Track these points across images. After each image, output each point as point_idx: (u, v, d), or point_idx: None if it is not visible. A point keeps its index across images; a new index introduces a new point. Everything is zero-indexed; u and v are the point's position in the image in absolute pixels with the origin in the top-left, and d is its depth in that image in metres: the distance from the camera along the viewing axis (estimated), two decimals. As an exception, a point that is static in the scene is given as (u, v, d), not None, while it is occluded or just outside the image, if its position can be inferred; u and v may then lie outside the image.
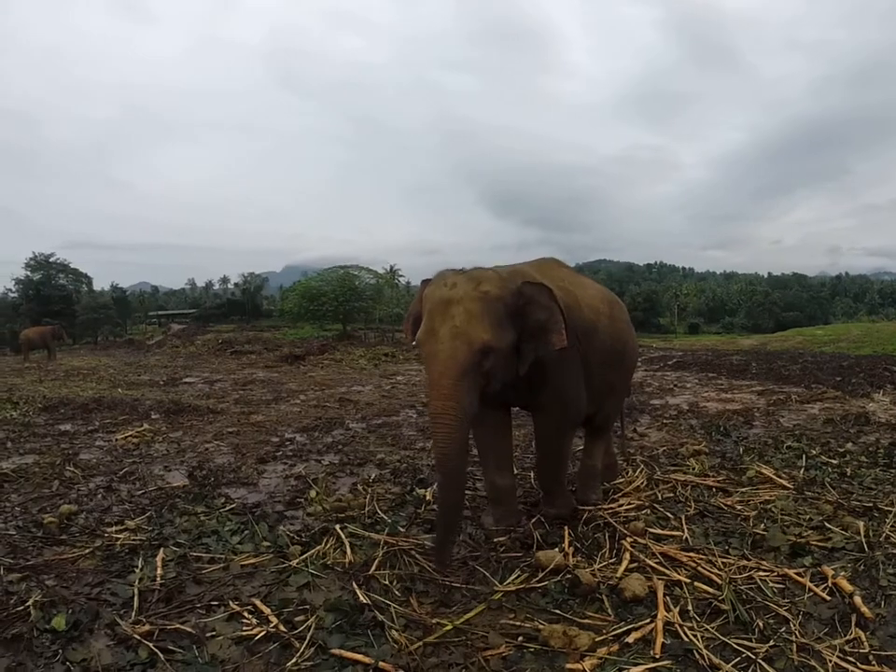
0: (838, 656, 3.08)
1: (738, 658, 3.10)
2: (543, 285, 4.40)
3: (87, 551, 4.39)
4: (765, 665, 3.02)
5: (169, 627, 3.31)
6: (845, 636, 3.29)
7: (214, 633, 3.29)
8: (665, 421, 9.60)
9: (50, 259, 58.97)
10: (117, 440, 8.34)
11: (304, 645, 3.15)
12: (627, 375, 5.96)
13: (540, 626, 3.32)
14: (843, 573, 3.95)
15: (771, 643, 3.20)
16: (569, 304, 4.64)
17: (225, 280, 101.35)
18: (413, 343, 4.38)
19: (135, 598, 3.62)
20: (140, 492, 5.90)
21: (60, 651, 3.11)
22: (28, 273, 57.78)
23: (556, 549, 4.31)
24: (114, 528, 4.84)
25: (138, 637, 3.18)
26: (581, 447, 6.05)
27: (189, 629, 3.29)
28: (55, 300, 53.45)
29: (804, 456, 6.83)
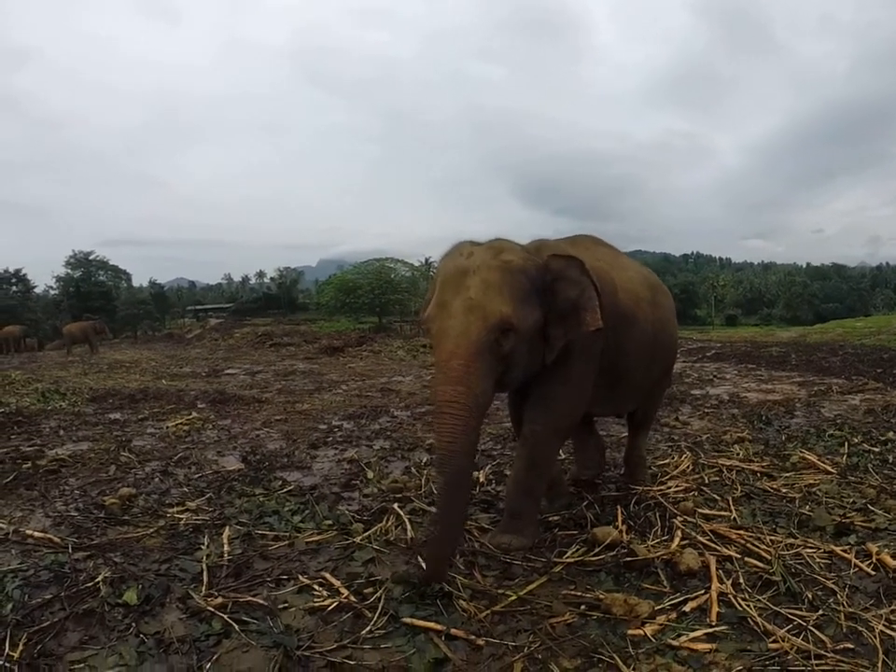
0: (884, 624, 3.16)
1: (790, 625, 3.19)
2: (573, 257, 3.98)
3: (151, 530, 4.48)
4: (816, 632, 3.12)
5: (241, 600, 3.39)
6: (889, 606, 3.37)
7: (286, 604, 3.37)
8: (706, 410, 9.57)
9: (90, 257, 59.74)
10: (167, 427, 8.49)
11: (377, 615, 3.22)
12: (670, 366, 5.68)
13: (602, 596, 3.40)
14: (886, 550, 4.01)
15: (820, 612, 3.30)
16: (604, 288, 4.06)
17: (261, 275, 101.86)
18: (422, 321, 4.01)
19: (204, 574, 3.70)
20: (197, 475, 6.00)
21: (133, 624, 3.16)
22: (68, 270, 58.77)
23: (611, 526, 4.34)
24: (175, 509, 4.94)
25: (212, 610, 3.26)
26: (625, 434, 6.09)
27: (261, 601, 3.37)
28: (95, 296, 54.21)
29: (846, 444, 6.84)
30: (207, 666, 2.79)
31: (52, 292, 61.11)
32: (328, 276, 54.16)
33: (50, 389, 12.18)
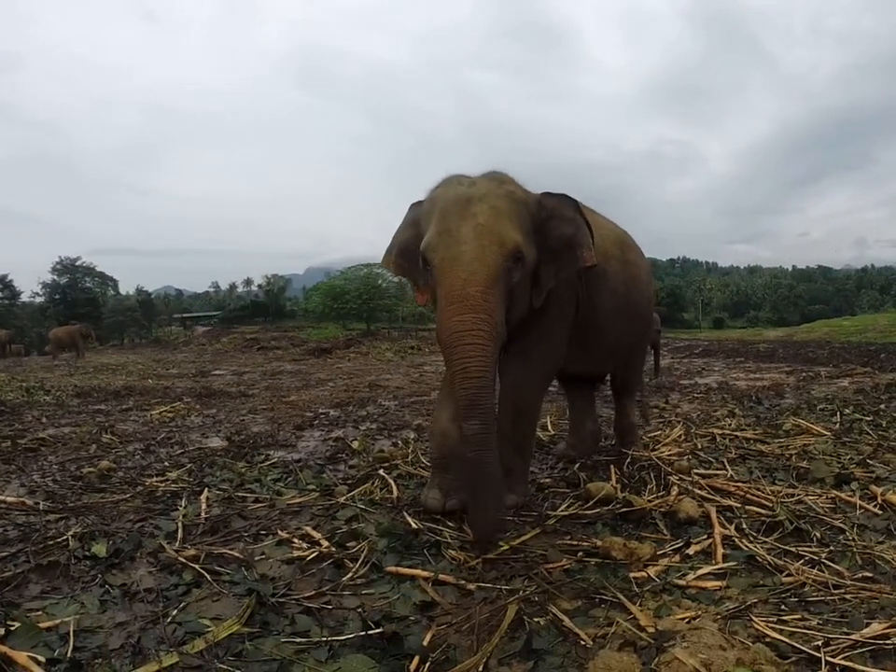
0: (900, 554, 3.07)
1: (802, 560, 3.08)
2: (566, 196, 3.79)
3: (128, 495, 4.32)
4: (831, 564, 3.02)
5: (215, 552, 3.23)
6: (902, 542, 3.30)
7: (263, 556, 3.22)
8: (695, 396, 9.53)
9: (76, 263, 59.43)
10: (151, 414, 8.33)
11: (358, 564, 3.06)
12: (646, 328, 5.46)
13: (599, 542, 3.25)
14: (892, 492, 3.94)
15: (831, 548, 3.20)
16: None
17: (248, 282, 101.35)
18: (396, 272, 3.94)
19: (179, 530, 3.53)
20: (179, 452, 5.84)
21: (99, 575, 3.00)
22: (55, 276, 58.29)
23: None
24: (154, 479, 4.77)
25: (183, 561, 3.10)
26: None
27: (236, 554, 3.21)
28: (81, 302, 53.93)
29: (838, 414, 6.88)
30: (173, 614, 2.60)
31: (38, 299, 60.62)
32: (315, 284, 54.09)
33: (35, 387, 12.04)
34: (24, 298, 59.99)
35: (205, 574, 2.97)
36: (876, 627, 2.34)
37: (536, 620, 2.51)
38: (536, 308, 3.75)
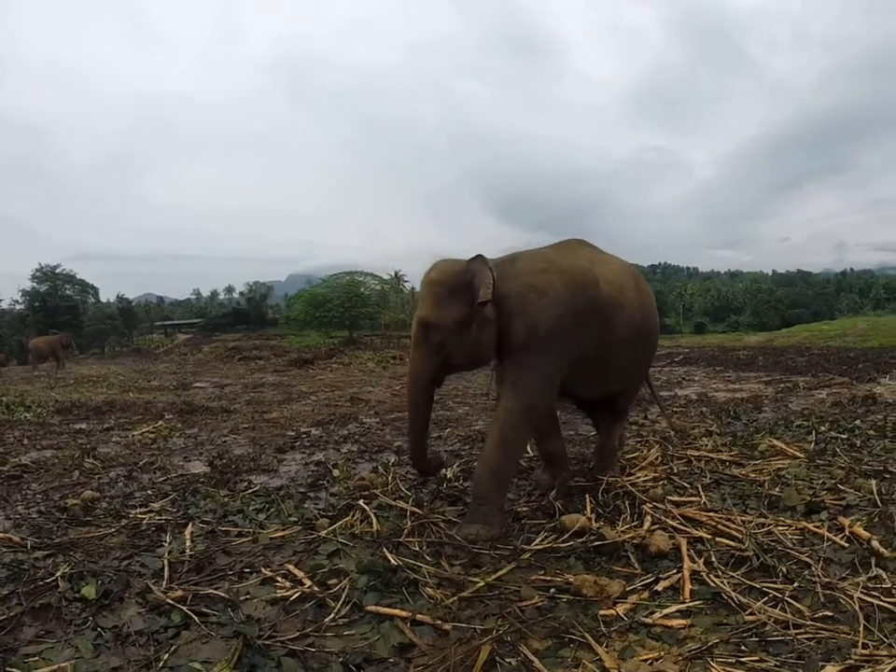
0: (862, 591, 3.17)
1: (766, 598, 3.19)
2: (480, 256, 4.57)
3: (113, 530, 4.39)
4: (793, 602, 3.12)
5: (202, 593, 3.31)
6: (866, 574, 3.39)
7: (248, 596, 3.31)
8: (675, 409, 9.60)
9: (56, 271, 58.87)
10: (133, 435, 8.35)
11: (339, 603, 3.17)
12: (654, 351, 5.96)
13: (571, 578, 3.37)
14: (859, 523, 4.04)
15: (796, 584, 3.30)
16: (586, 283, 4.67)
17: (230, 290, 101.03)
18: None
19: (166, 569, 3.61)
20: (161, 479, 5.91)
21: (90, 618, 3.09)
22: (34, 284, 57.74)
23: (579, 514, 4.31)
24: (139, 510, 4.85)
25: (171, 602, 3.19)
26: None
27: (222, 594, 3.29)
28: (61, 310, 53.46)
29: (813, 432, 6.97)
30: (165, 657, 2.71)
31: (18, 307, 60.17)
32: (297, 291, 53.86)
33: (15, 402, 11.96)
34: (4, 305, 59.60)
35: (193, 616, 3.06)
36: (830, 670, 2.45)
37: (508, 661, 2.63)
38: (516, 347, 4.51)
